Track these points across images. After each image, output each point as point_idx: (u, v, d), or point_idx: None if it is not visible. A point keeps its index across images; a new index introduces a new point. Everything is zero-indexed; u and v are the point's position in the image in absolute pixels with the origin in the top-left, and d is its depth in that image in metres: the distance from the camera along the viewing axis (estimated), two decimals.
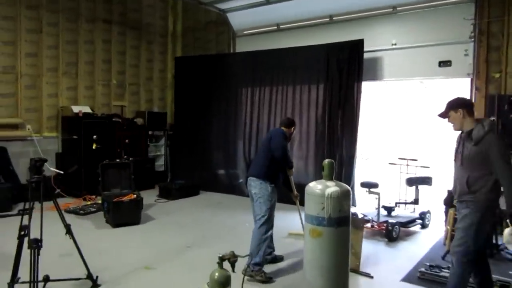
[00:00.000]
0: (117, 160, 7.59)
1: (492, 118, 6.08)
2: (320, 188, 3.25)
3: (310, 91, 7.51)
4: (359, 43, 6.86)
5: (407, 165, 6.35)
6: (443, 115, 3.23)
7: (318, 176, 7.65)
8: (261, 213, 4.15)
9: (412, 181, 5.92)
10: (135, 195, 5.89)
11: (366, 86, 7.00)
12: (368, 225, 5.60)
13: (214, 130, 8.74)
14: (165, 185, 7.85)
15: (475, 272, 3.26)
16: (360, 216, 5.52)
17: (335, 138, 7.15)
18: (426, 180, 5.97)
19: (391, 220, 5.50)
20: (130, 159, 8.17)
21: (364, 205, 6.72)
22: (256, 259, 4.08)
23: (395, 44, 6.94)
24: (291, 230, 5.76)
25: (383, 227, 5.49)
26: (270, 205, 4.16)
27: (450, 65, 6.49)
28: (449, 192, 5.35)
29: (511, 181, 2.92)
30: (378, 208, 5.61)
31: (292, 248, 5.07)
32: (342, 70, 7.10)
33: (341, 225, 3.22)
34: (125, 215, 5.69)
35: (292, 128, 4.55)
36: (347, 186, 3.38)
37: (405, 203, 6.09)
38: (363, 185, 5.74)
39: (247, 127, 8.31)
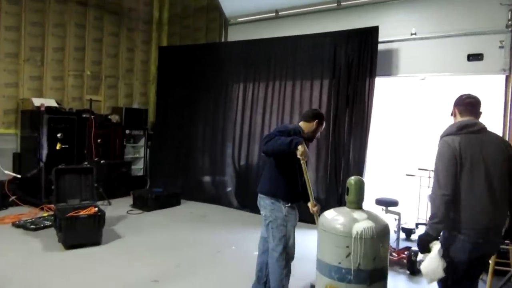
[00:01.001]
0: (86, 163, 6.36)
1: None
2: (344, 222, 2.06)
3: (313, 88, 6.31)
4: (373, 31, 5.68)
5: (429, 177, 5.21)
6: (452, 114, 2.66)
7: (320, 188, 6.58)
8: (274, 243, 3.07)
9: None
10: (95, 209, 4.65)
11: (379, 83, 5.83)
12: None
13: (201, 131, 7.52)
14: (141, 194, 6.60)
15: None
16: None
17: (341, 142, 5.97)
18: None
19: (414, 248, 4.34)
20: (102, 161, 6.94)
21: None
22: None
23: (415, 34, 5.77)
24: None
25: (404, 255, 4.33)
26: (285, 231, 3.04)
27: (481, 59, 5.33)
28: None
29: (432, 199, 2.36)
30: (397, 232, 4.45)
31: None
32: (351, 63, 5.92)
33: (375, 280, 2.04)
34: (81, 234, 4.43)
35: (315, 123, 3.18)
36: (384, 219, 2.20)
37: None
38: (380, 202, 4.57)
39: (238, 128, 7.10)
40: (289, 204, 3.05)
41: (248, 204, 6.76)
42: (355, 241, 1.96)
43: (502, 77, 5.26)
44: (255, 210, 6.65)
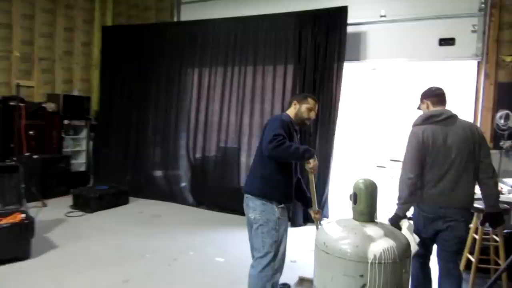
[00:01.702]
0: (13, 159, 5.36)
1: (505, 112, 4.75)
2: (355, 242, 1.49)
3: (276, 73, 5.71)
4: (342, 12, 5.18)
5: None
6: (418, 107, 2.95)
7: None
8: (263, 249, 2.63)
9: None
10: (22, 215, 3.78)
11: (347, 68, 5.37)
12: None
13: (152, 121, 6.69)
14: (82, 192, 5.70)
15: None
16: None
17: (306, 132, 5.46)
18: None
19: None
20: (35, 156, 5.95)
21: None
22: None
23: (384, 16, 5.35)
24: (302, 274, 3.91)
25: None
26: (277, 236, 2.64)
27: (453, 44, 5.00)
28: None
29: (399, 181, 2.64)
30: None
31: None
32: (318, 47, 5.40)
33: None
34: (3, 248, 3.58)
35: (304, 106, 2.81)
36: (402, 233, 1.66)
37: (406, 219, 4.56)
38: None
39: (193, 117, 6.36)
40: (282, 205, 2.68)
41: (205, 201, 6.10)
42: (372, 268, 1.40)
43: (474, 63, 4.99)
44: (213, 207, 6.10)
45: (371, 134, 5.89)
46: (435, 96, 2.79)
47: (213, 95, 6.19)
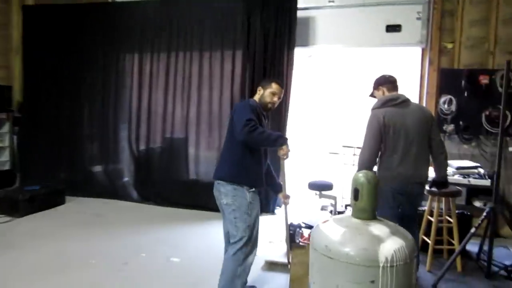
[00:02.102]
0: None
1: (448, 97, 4.93)
2: (364, 244, 1.32)
3: (224, 60, 5.40)
4: None
5: (354, 154, 4.86)
6: (371, 95, 3.15)
7: None
8: (237, 234, 2.64)
9: None
10: None
11: (297, 54, 5.23)
12: None
13: (87, 111, 6.04)
14: (8, 194, 5.00)
15: None
16: (304, 230, 3.90)
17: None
18: None
19: None
20: None
21: (295, 211, 5.03)
22: None
23: (333, 1, 5.27)
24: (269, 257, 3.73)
25: None
26: (250, 220, 2.65)
27: (399, 31, 5.05)
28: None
29: (359, 159, 2.88)
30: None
31: (273, 283, 3.16)
32: (267, 32, 5.18)
33: None
34: None
35: (268, 90, 2.81)
36: (407, 232, 1.51)
37: None
38: (313, 186, 4.01)
39: (135, 107, 5.84)
40: (253, 189, 2.69)
41: (152, 196, 5.69)
42: (384, 272, 1.24)
43: (419, 50, 5.10)
44: (161, 202, 5.70)
45: (323, 121, 5.86)
46: (389, 82, 3.02)
47: (156, 82, 5.73)
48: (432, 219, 3.70)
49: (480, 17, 4.78)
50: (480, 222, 3.37)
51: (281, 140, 2.58)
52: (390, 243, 1.29)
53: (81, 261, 3.64)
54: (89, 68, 5.96)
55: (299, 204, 5.00)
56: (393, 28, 5.06)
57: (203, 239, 4.29)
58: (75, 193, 5.80)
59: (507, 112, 4.73)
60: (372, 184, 1.41)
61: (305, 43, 5.37)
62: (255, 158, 2.70)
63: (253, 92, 5.16)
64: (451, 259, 3.34)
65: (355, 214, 1.45)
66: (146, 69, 5.78)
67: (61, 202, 5.44)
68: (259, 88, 2.86)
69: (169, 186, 5.59)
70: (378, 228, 1.36)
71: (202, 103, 5.53)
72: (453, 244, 3.67)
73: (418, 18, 4.99)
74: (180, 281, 3.30)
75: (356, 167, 2.86)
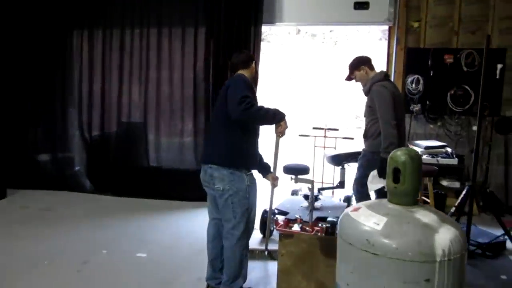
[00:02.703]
0: None
1: (416, 76, 4.89)
2: (414, 236, 1.06)
3: (185, 37, 4.96)
4: None
5: (325, 136, 4.68)
6: (349, 78, 3.23)
7: (194, 157, 5.46)
8: (235, 219, 2.47)
9: (341, 159, 4.26)
10: None
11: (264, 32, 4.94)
12: (295, 227, 3.73)
13: (29, 94, 5.31)
14: None
15: None
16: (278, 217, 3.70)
17: None
18: (354, 156, 4.37)
19: (330, 218, 3.72)
20: None
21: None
22: (240, 283, 2.55)
23: None
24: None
25: (319, 228, 3.68)
26: (248, 204, 2.50)
27: (367, 8, 4.89)
28: None
29: (386, 130, 2.92)
30: (311, 203, 3.74)
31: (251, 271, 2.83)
32: (232, 7, 4.82)
33: None
34: None
35: (253, 65, 2.72)
36: (454, 220, 1.28)
37: (332, 188, 4.42)
38: (288, 170, 3.77)
39: (85, 89, 5.21)
40: (250, 172, 2.55)
41: (108, 186, 5.18)
42: (441, 268, 1.01)
43: (386, 28, 4.99)
44: (118, 192, 5.20)
45: (292, 102, 5.63)
46: (369, 61, 3.18)
47: (109, 62, 5.16)
48: None
49: None
50: (459, 201, 3.33)
51: (279, 116, 2.44)
52: (444, 233, 1.06)
53: (32, 262, 3.15)
54: (31, 45, 5.24)
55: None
56: (360, 6, 4.89)
57: (170, 231, 3.93)
58: (19, 185, 5.14)
59: (471, 91, 4.79)
60: (416, 163, 1.16)
61: (271, 20, 5.07)
62: (251, 139, 2.53)
63: (216, 74, 4.84)
64: None
65: (395, 199, 1.20)
66: (98, 47, 5.19)
67: (2, 196, 4.79)
68: (250, 63, 2.67)
69: (128, 174, 5.10)
70: (425, 215, 1.12)
71: (162, 84, 5.07)
72: None
73: None
74: (149, 279, 2.95)
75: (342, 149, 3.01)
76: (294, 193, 4.59)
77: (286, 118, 2.50)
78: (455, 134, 4.95)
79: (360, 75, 3.15)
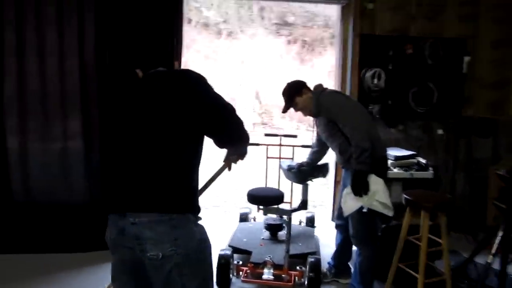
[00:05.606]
0: None
1: (377, 69, 3.93)
2: None
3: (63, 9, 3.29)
4: None
5: (281, 145, 3.37)
6: (287, 107, 2.62)
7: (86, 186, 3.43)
8: None
9: (306, 174, 2.97)
10: None
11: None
12: (266, 274, 2.36)
13: None
14: None
15: None
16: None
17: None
18: (321, 170, 3.13)
19: (311, 257, 2.41)
20: None
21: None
22: None
23: None
24: None
25: (298, 273, 2.37)
26: (206, 268, 1.48)
27: None
28: None
29: (354, 136, 2.39)
30: (287, 241, 2.35)
31: None
32: None
33: None
34: None
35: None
36: None
37: (294, 211, 3.08)
38: (255, 199, 2.40)
39: None
40: (200, 218, 1.52)
41: None
42: None
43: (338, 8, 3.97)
44: None
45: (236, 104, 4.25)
46: (305, 82, 2.71)
47: None
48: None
49: None
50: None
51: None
52: None
53: None
54: None
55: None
56: None
57: None
58: None
59: (433, 88, 4.01)
60: None
61: None
62: (197, 168, 1.57)
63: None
64: None
65: None
66: None
67: None
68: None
69: None
70: None
71: (28, 76, 3.27)
72: None
73: None
74: None
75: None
76: (244, 219, 3.22)
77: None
78: (416, 139, 4.10)
79: (304, 100, 2.60)
